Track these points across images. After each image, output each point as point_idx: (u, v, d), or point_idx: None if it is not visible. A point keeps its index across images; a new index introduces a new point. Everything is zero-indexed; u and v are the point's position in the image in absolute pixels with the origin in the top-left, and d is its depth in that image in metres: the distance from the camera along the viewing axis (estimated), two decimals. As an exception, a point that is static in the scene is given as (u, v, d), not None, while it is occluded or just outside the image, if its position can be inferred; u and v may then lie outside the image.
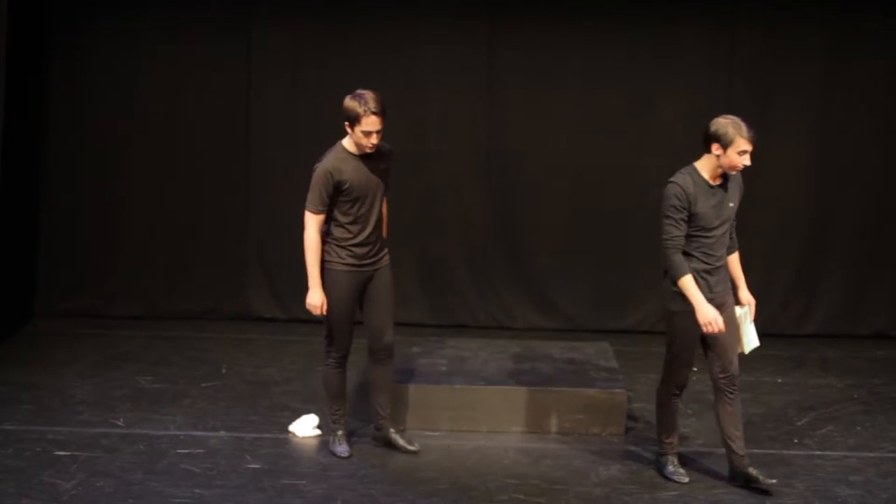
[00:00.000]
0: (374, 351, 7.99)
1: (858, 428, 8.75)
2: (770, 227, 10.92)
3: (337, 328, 7.86)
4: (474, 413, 8.44)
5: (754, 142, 7.22)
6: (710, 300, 7.23)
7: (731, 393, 7.43)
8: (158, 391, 9.22)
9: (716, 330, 7.18)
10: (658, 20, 10.80)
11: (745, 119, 7.27)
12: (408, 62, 10.87)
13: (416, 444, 8.09)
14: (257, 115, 11.04)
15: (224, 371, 9.77)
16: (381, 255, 7.90)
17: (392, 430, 8.12)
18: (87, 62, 11.04)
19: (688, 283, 7.21)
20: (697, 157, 11.25)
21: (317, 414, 8.51)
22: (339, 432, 8.04)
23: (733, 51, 10.83)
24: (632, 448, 8.29)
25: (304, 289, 11.11)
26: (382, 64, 10.82)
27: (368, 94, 7.60)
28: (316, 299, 7.75)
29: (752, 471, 7.46)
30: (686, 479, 7.61)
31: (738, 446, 7.47)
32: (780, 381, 9.58)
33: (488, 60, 10.89)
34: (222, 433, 8.35)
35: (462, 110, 10.92)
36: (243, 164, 11.11)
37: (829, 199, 10.88)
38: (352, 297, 7.82)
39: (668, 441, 7.72)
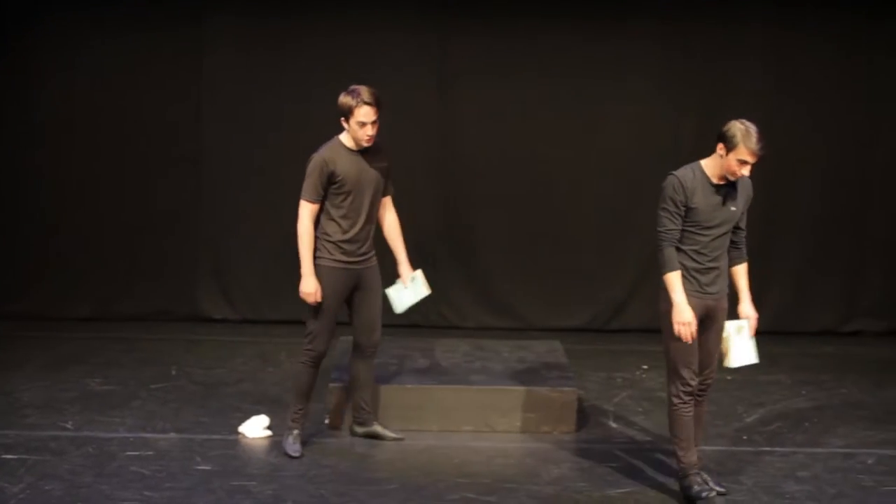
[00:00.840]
0: (363, 347, 8.07)
1: (807, 424, 8.80)
2: (719, 225, 10.96)
3: (321, 325, 7.87)
4: (425, 412, 8.44)
5: (758, 156, 6.97)
6: (700, 300, 7.13)
7: (700, 397, 7.34)
8: (107, 393, 9.16)
9: (685, 336, 7.05)
10: (610, 17, 10.82)
11: (760, 132, 6.98)
12: (359, 59, 10.85)
13: (400, 434, 8.26)
14: (208, 112, 10.98)
15: (174, 373, 9.72)
16: (371, 254, 7.94)
17: (376, 423, 8.25)
18: (31, 56, 10.94)
19: (671, 280, 7.09)
20: (651, 155, 11.35)
21: (267, 415, 8.48)
22: (296, 431, 8.03)
23: (685, 48, 10.87)
24: (583, 446, 8.30)
25: (254, 289, 11.17)
26: (333, 59, 10.81)
27: (362, 88, 7.69)
28: (310, 286, 7.75)
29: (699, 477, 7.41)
30: (714, 493, 7.28)
31: (697, 453, 7.39)
32: (729, 378, 9.63)
33: (439, 59, 10.90)
34: (172, 435, 8.31)
35: (412, 109, 10.91)
36: (194, 163, 11.05)
37: (777, 198, 10.95)
38: (340, 294, 7.85)
39: (685, 462, 7.28)
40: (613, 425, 8.72)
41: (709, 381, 7.36)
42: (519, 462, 7.97)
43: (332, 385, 8.52)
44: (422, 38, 10.88)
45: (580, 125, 10.95)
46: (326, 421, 8.52)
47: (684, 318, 7.06)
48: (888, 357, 10.51)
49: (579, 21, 10.82)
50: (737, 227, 7.25)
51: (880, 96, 10.93)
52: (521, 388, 8.54)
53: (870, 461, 8.09)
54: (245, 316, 11.16)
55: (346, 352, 9.11)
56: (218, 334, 10.83)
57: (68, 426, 8.41)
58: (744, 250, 7.33)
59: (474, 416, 8.45)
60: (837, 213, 11.07)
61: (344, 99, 7.69)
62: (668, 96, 10.93)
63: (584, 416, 8.77)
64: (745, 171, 7.02)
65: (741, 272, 7.34)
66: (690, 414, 7.25)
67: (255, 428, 8.36)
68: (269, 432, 8.34)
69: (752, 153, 6.95)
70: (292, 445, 7.99)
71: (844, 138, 10.98)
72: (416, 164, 10.99)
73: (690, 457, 7.31)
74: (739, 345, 7.30)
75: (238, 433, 8.35)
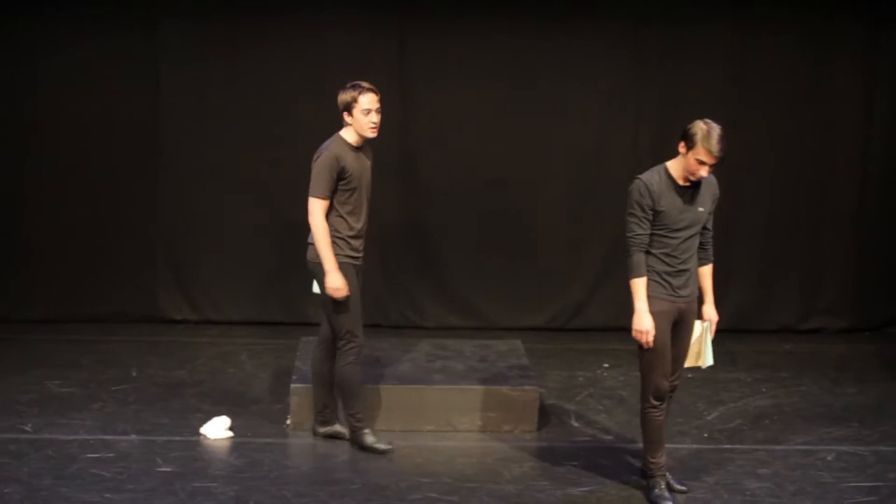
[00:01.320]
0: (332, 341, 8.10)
1: (766, 421, 8.86)
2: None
3: (353, 319, 7.91)
4: (387, 412, 8.44)
5: (717, 157, 6.94)
6: (673, 303, 7.14)
7: (661, 407, 7.34)
8: (67, 395, 9.11)
9: (643, 341, 7.07)
10: (568, 17, 10.84)
11: (724, 134, 6.99)
12: (317, 58, 10.83)
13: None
14: (165, 111, 10.92)
15: (134, 374, 9.68)
16: (364, 251, 8.02)
17: (337, 423, 8.26)
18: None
19: (635, 286, 7.07)
20: (610, 156, 11.38)
21: (228, 416, 8.46)
22: (369, 430, 8.12)
23: (644, 50, 10.90)
24: (544, 445, 8.32)
25: (214, 290, 11.12)
26: (292, 59, 10.79)
27: (360, 81, 7.85)
28: (338, 281, 7.76)
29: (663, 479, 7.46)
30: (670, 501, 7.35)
31: (665, 459, 7.41)
32: (689, 376, 9.67)
33: (398, 57, 10.88)
34: (133, 437, 8.28)
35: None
36: (151, 163, 10.99)
37: (736, 198, 10.98)
38: (357, 289, 7.91)
39: (653, 461, 7.38)
40: (575, 424, 8.74)
41: (676, 383, 7.40)
42: (480, 461, 7.98)
43: (293, 385, 8.51)
44: (381, 41, 10.86)
45: (540, 126, 10.95)
46: (288, 422, 8.50)
47: (643, 325, 7.08)
48: (846, 354, 10.58)
49: (539, 23, 10.82)
50: (704, 228, 7.26)
51: (835, 97, 11.00)
52: (483, 388, 8.55)
53: (829, 458, 8.15)
54: (205, 317, 11.12)
55: (307, 352, 9.11)
56: (178, 335, 10.79)
57: (27, 429, 8.36)
58: (710, 251, 7.35)
59: (436, 416, 8.45)
60: (796, 213, 11.13)
61: (344, 93, 7.82)
62: (628, 98, 10.95)
63: (546, 414, 8.79)
64: (704, 171, 6.99)
65: (707, 273, 7.36)
66: (661, 418, 7.31)
67: (217, 429, 8.34)
68: (230, 433, 8.33)
69: (710, 154, 6.92)
70: (377, 442, 8.06)
71: (800, 139, 11.03)
72: (377, 165, 10.94)
73: (658, 459, 7.38)
74: (699, 344, 7.36)
75: (200, 434, 8.32)
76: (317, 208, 7.77)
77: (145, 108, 10.92)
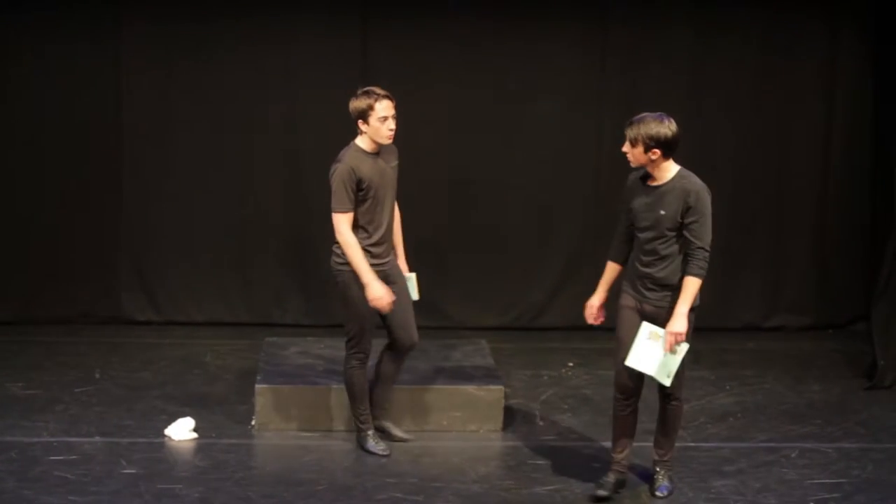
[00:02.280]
0: (402, 349, 8.08)
1: (731, 419, 8.89)
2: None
3: (363, 327, 7.88)
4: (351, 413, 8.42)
5: (627, 136, 7.12)
6: (637, 301, 7.22)
7: (626, 402, 7.43)
8: (30, 397, 9.06)
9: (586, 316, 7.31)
10: (530, 16, 10.85)
11: (643, 117, 7.19)
12: (281, 60, 10.80)
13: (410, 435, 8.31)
14: (129, 112, 10.86)
15: (98, 376, 9.63)
16: (392, 254, 7.99)
17: (388, 421, 8.27)
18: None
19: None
20: (572, 155, 11.40)
21: (193, 417, 8.44)
22: (371, 431, 8.09)
23: (605, 47, 10.92)
24: (510, 444, 8.34)
25: (178, 291, 11.07)
26: (255, 61, 10.75)
27: (373, 87, 7.80)
28: (378, 290, 7.71)
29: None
30: (604, 493, 7.37)
31: (625, 454, 7.48)
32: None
33: (361, 57, 10.87)
34: (97, 439, 8.24)
35: (335, 109, 10.85)
36: (115, 165, 10.94)
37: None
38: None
39: (614, 453, 7.48)
40: (540, 423, 8.76)
41: (665, 387, 7.34)
42: (446, 461, 7.98)
43: (258, 386, 8.49)
44: (344, 42, 10.83)
45: (504, 127, 10.95)
46: (253, 422, 8.48)
47: (591, 301, 7.44)
48: (809, 352, 10.63)
49: (502, 24, 10.83)
50: (689, 239, 7.10)
51: (796, 97, 11.05)
52: (448, 387, 8.56)
53: (793, 455, 8.19)
54: (169, 318, 11.07)
55: (271, 353, 9.09)
56: (142, 336, 10.73)
57: (-10, 431, 8.32)
58: (692, 264, 7.11)
59: (401, 416, 8.44)
60: (757, 212, 11.17)
61: (359, 101, 7.76)
62: (592, 99, 10.96)
63: (511, 414, 8.80)
64: (630, 158, 7.12)
65: (683, 285, 7.15)
66: (624, 413, 7.38)
67: (182, 430, 8.31)
68: (195, 434, 8.30)
69: (626, 134, 7.10)
70: (376, 446, 8.05)
71: (762, 138, 11.08)
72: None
73: (617, 454, 7.46)
74: (643, 347, 7.17)
75: (164, 436, 8.29)
76: (342, 223, 7.71)
77: (109, 110, 10.86)
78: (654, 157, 7.08)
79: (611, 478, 7.44)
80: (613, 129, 10.92)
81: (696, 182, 7.11)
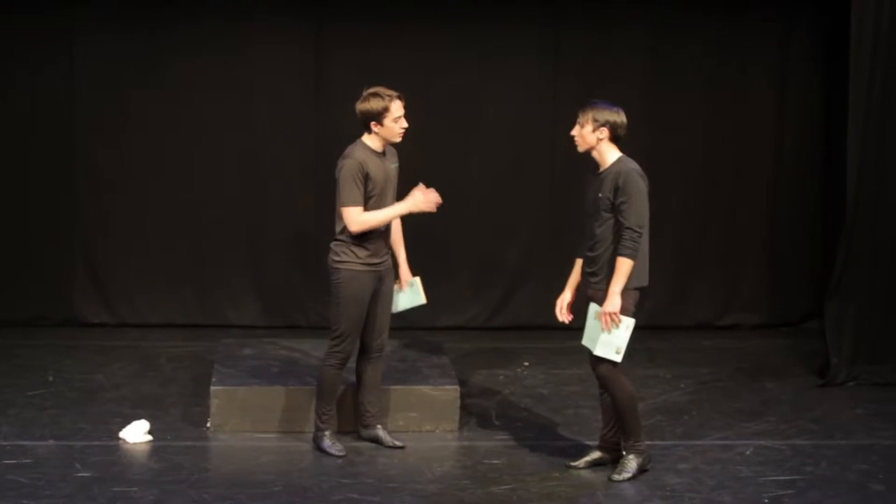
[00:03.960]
0: (369, 349, 8.10)
1: (686, 417, 8.93)
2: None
3: (352, 328, 7.90)
4: (306, 414, 8.39)
5: (578, 115, 7.56)
6: (586, 286, 7.59)
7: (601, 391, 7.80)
8: (-18, 401, 9.01)
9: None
10: (484, 19, 10.86)
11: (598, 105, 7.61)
12: (236, 66, 10.77)
13: (401, 442, 8.23)
14: (82, 114, 10.81)
15: (51, 378, 9.57)
16: (388, 255, 8.02)
17: (379, 426, 8.23)
18: None
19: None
20: (528, 154, 11.42)
21: (147, 419, 8.40)
22: (329, 432, 8.08)
23: (561, 50, 10.95)
24: (466, 444, 8.35)
25: (131, 292, 11.00)
26: (210, 66, 10.73)
27: (379, 88, 7.83)
28: (418, 195, 7.86)
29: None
30: (573, 464, 7.79)
31: (608, 431, 7.83)
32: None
33: (316, 62, 10.84)
34: (50, 442, 8.19)
35: (291, 113, 10.85)
36: (68, 167, 10.87)
37: (652, 196, 11.03)
38: (368, 296, 7.89)
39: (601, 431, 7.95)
40: (496, 423, 8.77)
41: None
42: (402, 461, 7.98)
43: (213, 388, 8.46)
44: (298, 45, 10.81)
45: (458, 127, 10.97)
46: (208, 424, 8.46)
47: (559, 299, 7.74)
48: (763, 350, 10.69)
49: (456, 24, 10.84)
50: (617, 219, 7.41)
51: (749, 98, 11.12)
52: (403, 388, 8.56)
53: (747, 452, 8.24)
54: (123, 320, 11.01)
55: (226, 355, 9.07)
56: (95, 339, 10.67)
57: (-57, 435, 8.26)
58: (620, 245, 7.41)
59: (356, 416, 8.43)
60: (711, 211, 11.22)
61: (371, 104, 7.79)
62: (546, 99, 10.99)
63: (467, 413, 8.81)
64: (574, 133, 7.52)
65: (615, 266, 7.43)
66: (602, 392, 7.74)
67: (136, 433, 8.28)
68: (149, 437, 8.27)
69: (577, 116, 7.52)
70: (333, 446, 8.04)
71: (714, 137, 11.13)
72: (293, 167, 10.94)
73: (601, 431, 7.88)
74: (591, 327, 7.50)
75: (119, 438, 8.25)
76: (352, 219, 7.75)
77: (63, 111, 10.80)
78: (601, 136, 7.40)
79: (591, 455, 7.82)
80: (567, 132, 10.96)
81: (629, 165, 7.45)
